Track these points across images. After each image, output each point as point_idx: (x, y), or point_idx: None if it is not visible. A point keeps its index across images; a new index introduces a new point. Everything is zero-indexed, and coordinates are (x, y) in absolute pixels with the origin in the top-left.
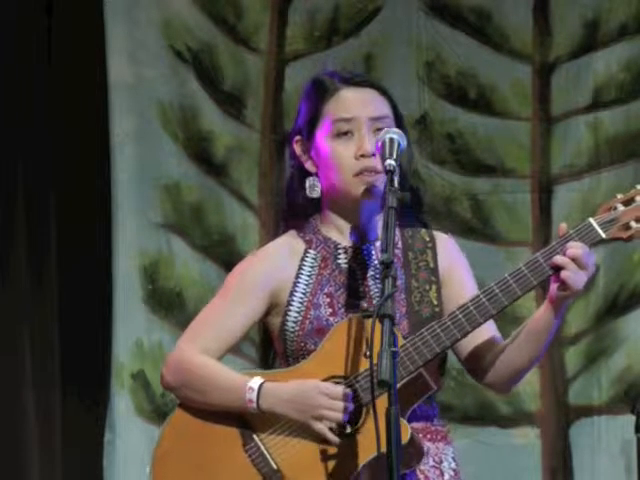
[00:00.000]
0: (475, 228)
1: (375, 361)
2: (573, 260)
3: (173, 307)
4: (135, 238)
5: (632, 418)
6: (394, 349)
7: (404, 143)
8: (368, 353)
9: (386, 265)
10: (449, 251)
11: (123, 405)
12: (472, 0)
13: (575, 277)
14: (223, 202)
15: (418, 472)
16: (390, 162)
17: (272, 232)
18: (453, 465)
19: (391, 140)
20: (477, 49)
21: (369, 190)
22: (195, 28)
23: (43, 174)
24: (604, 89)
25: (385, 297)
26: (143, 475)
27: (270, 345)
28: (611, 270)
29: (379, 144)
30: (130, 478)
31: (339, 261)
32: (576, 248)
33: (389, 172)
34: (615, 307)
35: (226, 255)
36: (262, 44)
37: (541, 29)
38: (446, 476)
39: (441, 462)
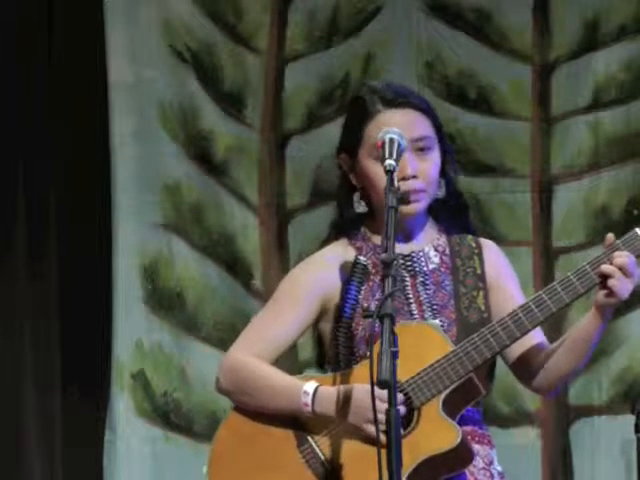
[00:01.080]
0: (475, 228)
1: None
2: (620, 269)
3: (173, 307)
4: (135, 238)
5: (632, 418)
6: (394, 349)
7: (404, 143)
8: (368, 353)
9: (386, 265)
10: (495, 258)
11: (123, 405)
12: (472, 0)
13: (621, 285)
14: (223, 202)
15: (468, 474)
16: (390, 162)
17: (272, 232)
18: (499, 469)
19: (391, 140)
20: (477, 49)
21: (409, 210)
22: (195, 28)
23: (43, 174)
24: (604, 89)
25: (385, 297)
26: (143, 475)
27: (321, 349)
28: None
29: (379, 144)
30: (130, 478)
31: None
32: (623, 257)
33: (389, 172)
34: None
35: (226, 255)
36: (262, 44)
37: (541, 29)
38: (495, 479)
39: (491, 463)
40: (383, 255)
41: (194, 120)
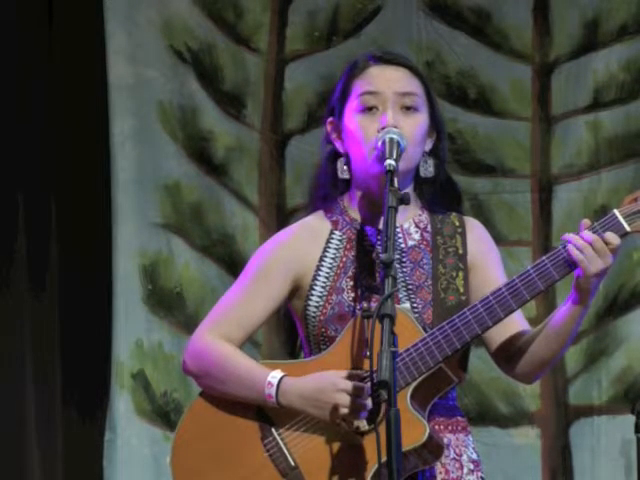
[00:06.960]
0: None
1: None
2: (589, 244)
3: (173, 307)
4: (135, 238)
5: (632, 418)
6: (394, 349)
7: (404, 143)
8: (368, 353)
9: (386, 265)
10: (479, 237)
11: (123, 405)
12: (472, 0)
13: (589, 260)
14: (223, 202)
15: (439, 465)
16: (390, 162)
17: (272, 232)
18: (474, 456)
19: (391, 140)
20: (477, 49)
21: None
22: (195, 28)
23: (43, 174)
24: (604, 89)
25: (385, 297)
26: (143, 475)
27: (291, 333)
28: (611, 269)
29: (379, 143)
30: (130, 478)
31: (365, 243)
32: (591, 235)
33: (389, 172)
34: (615, 307)
35: (226, 255)
36: (262, 44)
37: (541, 29)
38: (465, 469)
39: (461, 455)
40: (383, 255)
41: (194, 120)
